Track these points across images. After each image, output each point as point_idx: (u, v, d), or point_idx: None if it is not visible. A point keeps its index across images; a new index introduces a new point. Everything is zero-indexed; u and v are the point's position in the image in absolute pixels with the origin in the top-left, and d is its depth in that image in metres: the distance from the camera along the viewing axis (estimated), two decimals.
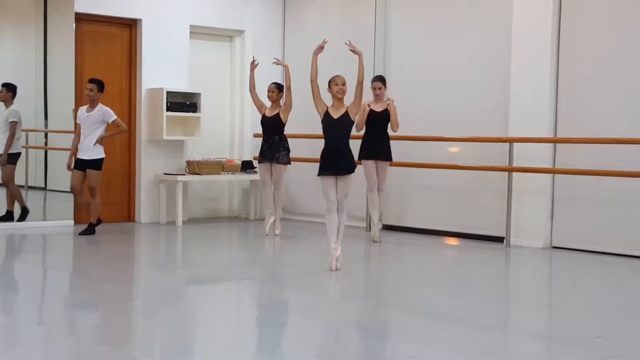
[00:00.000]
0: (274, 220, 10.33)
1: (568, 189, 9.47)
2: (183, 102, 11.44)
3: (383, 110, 9.53)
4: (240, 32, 12.36)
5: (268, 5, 12.48)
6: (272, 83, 10.28)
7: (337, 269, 7.65)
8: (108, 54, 11.27)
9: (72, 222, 10.80)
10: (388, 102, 9.52)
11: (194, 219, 11.91)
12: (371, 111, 9.55)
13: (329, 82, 7.70)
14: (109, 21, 11.22)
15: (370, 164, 9.61)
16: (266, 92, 10.23)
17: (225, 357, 4.91)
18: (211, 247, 9.74)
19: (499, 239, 9.78)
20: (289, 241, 10.23)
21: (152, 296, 6.81)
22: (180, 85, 11.57)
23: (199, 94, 11.54)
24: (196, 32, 11.95)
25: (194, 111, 11.51)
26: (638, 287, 7.50)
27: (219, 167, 11.70)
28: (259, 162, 10.26)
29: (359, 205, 11.16)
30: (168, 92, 11.24)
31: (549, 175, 9.54)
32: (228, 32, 12.36)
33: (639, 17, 8.91)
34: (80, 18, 10.94)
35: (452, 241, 10.02)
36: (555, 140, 9.45)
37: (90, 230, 9.94)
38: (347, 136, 7.64)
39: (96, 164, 9.86)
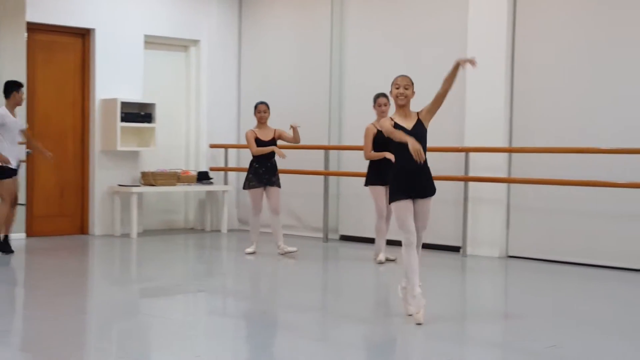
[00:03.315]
0: (280, 244, 9.57)
1: (523, 198, 9.55)
2: (137, 113, 11.32)
3: None
4: (196, 42, 12.29)
5: (223, 15, 12.42)
6: (262, 103, 9.56)
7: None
8: (61, 64, 11.11)
9: (23, 234, 10.60)
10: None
11: (149, 231, 11.78)
12: (379, 132, 8.58)
13: (391, 84, 6.26)
14: (62, 31, 11.07)
15: (380, 190, 8.82)
16: (253, 112, 9.60)
17: None
18: (167, 259, 9.63)
19: (455, 249, 9.81)
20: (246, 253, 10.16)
21: (107, 310, 6.69)
22: (135, 96, 11.44)
23: (154, 104, 11.42)
24: (151, 41, 11.84)
25: (149, 122, 11.39)
26: (593, 296, 7.57)
27: (175, 178, 11.59)
28: (251, 187, 9.45)
29: (318, 217, 11.15)
30: (122, 103, 11.11)
31: (505, 185, 9.61)
32: (183, 42, 12.27)
33: (592, 30, 9.03)
34: (32, 28, 10.76)
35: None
36: (510, 150, 9.53)
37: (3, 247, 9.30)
38: (425, 149, 6.13)
39: None
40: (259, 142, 9.42)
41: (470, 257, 9.56)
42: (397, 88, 6.15)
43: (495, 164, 9.59)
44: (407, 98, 6.14)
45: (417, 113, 6.18)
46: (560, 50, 9.26)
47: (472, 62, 6.02)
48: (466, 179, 9.59)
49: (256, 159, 9.47)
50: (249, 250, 9.61)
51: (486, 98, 9.65)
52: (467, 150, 9.59)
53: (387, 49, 10.79)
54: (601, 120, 8.91)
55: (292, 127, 9.33)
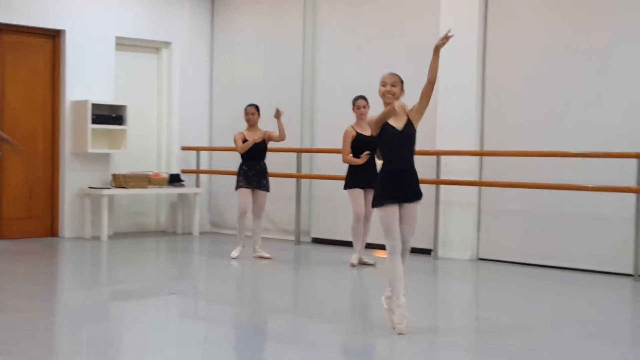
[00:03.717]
0: (257, 247, 9.50)
1: (494, 201, 9.61)
2: (109, 115, 11.24)
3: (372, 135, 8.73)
4: (168, 44, 12.23)
5: (196, 17, 12.37)
6: (252, 105, 9.47)
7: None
8: (31, 65, 11.00)
9: None
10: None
11: (120, 234, 11.69)
12: (358, 135, 8.65)
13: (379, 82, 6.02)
14: (32, 32, 10.95)
15: (359, 193, 8.76)
16: (243, 114, 9.47)
17: None
18: (138, 262, 9.56)
19: (426, 252, 9.85)
20: (218, 256, 10.11)
21: (76, 313, 6.62)
22: (106, 98, 11.36)
23: (125, 106, 11.34)
24: (122, 43, 11.76)
25: (120, 124, 11.31)
26: (564, 298, 7.63)
27: (146, 180, 11.52)
28: (240, 188, 9.32)
29: (290, 220, 11.14)
30: (93, 105, 11.02)
31: (476, 188, 9.66)
32: (155, 44, 12.21)
33: (564, 34, 9.11)
34: (2, 28, 10.65)
35: (381, 254, 10.05)
36: (481, 153, 9.58)
37: None
38: (413, 151, 6.01)
39: None
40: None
41: (442, 260, 9.60)
42: (384, 86, 5.94)
43: (466, 167, 9.64)
44: (395, 96, 5.92)
45: (407, 113, 5.96)
46: (532, 54, 9.32)
47: (447, 36, 5.84)
48: (437, 182, 9.63)
49: (245, 161, 9.35)
50: (234, 254, 9.37)
51: (458, 102, 9.70)
52: (438, 154, 9.63)
53: (359, 50, 10.80)
54: (571, 124, 8.99)
55: (277, 110, 9.16)
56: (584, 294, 7.82)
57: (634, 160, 8.32)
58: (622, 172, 8.49)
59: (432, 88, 5.88)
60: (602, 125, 8.76)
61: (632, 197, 8.36)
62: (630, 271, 8.37)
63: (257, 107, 9.46)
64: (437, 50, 5.85)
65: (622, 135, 8.59)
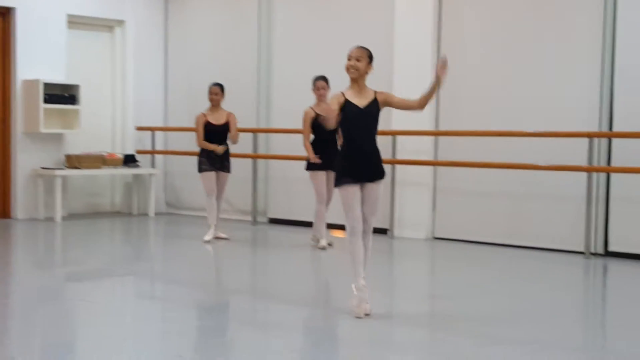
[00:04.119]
0: (215, 227, 9.36)
1: (449, 180, 9.70)
2: (61, 94, 11.08)
3: None
4: (121, 22, 12.06)
5: None
6: (216, 85, 9.21)
7: (367, 315, 5.65)
8: None
9: None
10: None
11: (74, 215, 11.57)
12: (317, 116, 8.43)
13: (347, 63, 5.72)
14: None
15: (321, 175, 8.66)
16: (207, 94, 9.22)
17: (107, 354, 4.78)
18: (92, 243, 9.48)
19: (382, 231, 9.91)
20: (174, 236, 10.07)
21: (30, 294, 6.55)
22: (58, 77, 11.19)
23: (78, 85, 11.19)
24: (74, 21, 11.58)
25: (73, 103, 11.16)
26: (514, 276, 7.75)
27: (100, 160, 11.39)
28: (204, 171, 9.19)
29: (246, 200, 11.14)
30: (45, 84, 10.85)
31: (431, 168, 9.74)
32: (108, 22, 12.04)
33: (517, 17, 9.19)
34: None
35: (338, 234, 10.10)
36: (436, 133, 9.66)
37: None
38: (376, 131, 5.81)
39: None
40: (210, 127, 9.13)
41: (397, 239, 9.68)
42: (349, 60, 5.67)
43: (422, 147, 9.71)
44: (359, 71, 5.65)
45: (376, 92, 5.76)
46: (486, 37, 9.40)
47: (444, 61, 5.72)
48: (393, 162, 9.68)
49: (208, 142, 9.18)
50: (207, 237, 9.19)
51: (413, 83, 9.69)
52: (394, 134, 9.68)
53: (315, 30, 10.79)
54: (525, 105, 9.09)
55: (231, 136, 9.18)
56: (535, 272, 7.95)
57: (585, 140, 8.46)
58: (573, 152, 8.63)
59: (413, 110, 5.87)
60: (555, 106, 8.88)
61: (583, 176, 8.50)
62: (581, 249, 8.53)
63: (222, 87, 9.23)
64: (438, 81, 5.70)
65: (573, 116, 8.72)
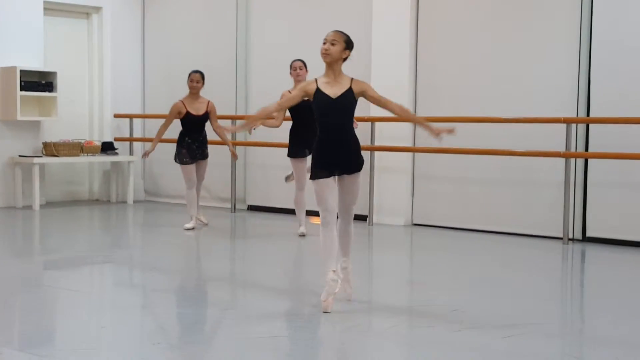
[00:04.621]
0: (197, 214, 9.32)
1: (428, 167, 9.74)
2: (38, 82, 10.99)
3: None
4: (98, 9, 11.97)
5: None
6: (197, 72, 9.04)
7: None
8: None
9: None
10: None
11: (53, 203, 11.50)
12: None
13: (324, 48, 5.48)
14: None
15: (302, 162, 8.50)
16: (187, 81, 9.06)
17: (86, 341, 4.77)
18: (71, 231, 9.44)
19: (362, 217, 9.93)
20: (153, 224, 10.04)
21: (8, 282, 6.52)
22: (35, 64, 11.10)
23: (55, 72, 11.09)
24: (51, 8, 11.48)
25: (50, 91, 11.07)
26: (492, 261, 7.80)
27: (78, 148, 11.33)
28: (184, 163, 9.06)
29: (225, 187, 11.12)
30: (22, 71, 10.76)
31: (410, 154, 9.77)
32: (85, 9, 11.94)
33: (494, 1, 9.22)
34: None
35: (316, 220, 10.10)
36: None
37: None
38: (351, 120, 5.57)
39: None
40: (189, 117, 9.00)
41: (376, 226, 9.71)
42: (324, 44, 5.41)
43: (400, 134, 9.73)
44: (331, 56, 5.38)
45: (352, 80, 5.50)
46: (463, 23, 9.42)
47: (452, 132, 5.72)
48: (372, 149, 9.70)
49: (187, 133, 9.05)
50: (188, 225, 9.11)
51: (391, 68, 9.75)
52: (372, 120, 9.69)
53: (293, 15, 10.76)
54: (502, 91, 9.13)
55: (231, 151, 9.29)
56: (512, 257, 8.01)
57: (562, 126, 8.51)
58: (551, 138, 8.68)
59: (389, 110, 5.71)
60: (533, 92, 8.93)
61: (560, 162, 8.56)
62: (559, 234, 8.59)
63: (202, 75, 9.06)
64: (434, 133, 5.74)
65: (551, 102, 8.77)
